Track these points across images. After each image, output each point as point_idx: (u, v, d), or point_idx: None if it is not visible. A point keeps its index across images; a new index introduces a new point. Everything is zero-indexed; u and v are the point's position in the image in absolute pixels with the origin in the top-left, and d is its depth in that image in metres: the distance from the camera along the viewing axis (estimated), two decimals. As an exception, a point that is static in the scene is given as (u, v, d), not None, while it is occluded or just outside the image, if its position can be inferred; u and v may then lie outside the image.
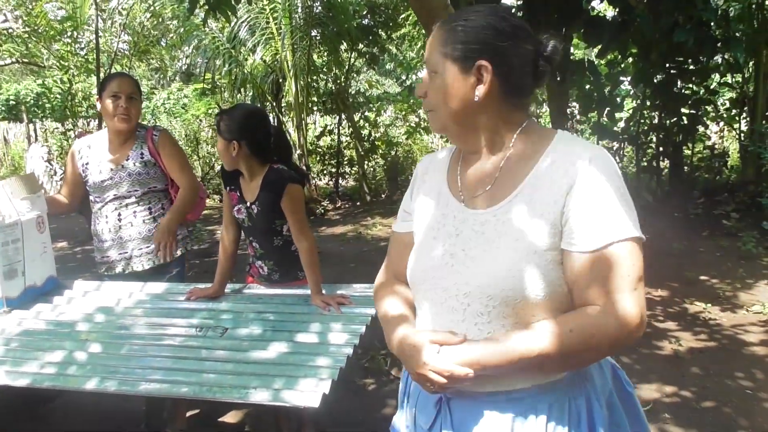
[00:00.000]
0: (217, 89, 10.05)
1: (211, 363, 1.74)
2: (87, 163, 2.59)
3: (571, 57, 4.89)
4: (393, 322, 1.19)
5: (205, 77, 9.58)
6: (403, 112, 10.00)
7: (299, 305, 2.16)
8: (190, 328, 1.99)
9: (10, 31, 11.41)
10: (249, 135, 2.14)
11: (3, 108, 20.95)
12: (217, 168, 10.48)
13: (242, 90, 8.86)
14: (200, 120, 10.66)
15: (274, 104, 9.10)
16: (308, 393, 1.55)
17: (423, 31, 9.23)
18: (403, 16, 8.52)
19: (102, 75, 8.23)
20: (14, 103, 21.13)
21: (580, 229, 1.00)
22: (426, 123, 9.71)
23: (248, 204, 2.22)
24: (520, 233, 1.03)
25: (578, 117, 7.72)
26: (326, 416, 2.55)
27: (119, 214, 2.56)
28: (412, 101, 9.69)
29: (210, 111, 10.46)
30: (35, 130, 12.66)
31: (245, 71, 8.50)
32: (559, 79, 4.66)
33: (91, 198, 2.64)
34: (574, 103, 7.42)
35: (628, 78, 7.20)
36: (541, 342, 0.98)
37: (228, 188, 2.29)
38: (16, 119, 18.07)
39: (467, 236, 1.08)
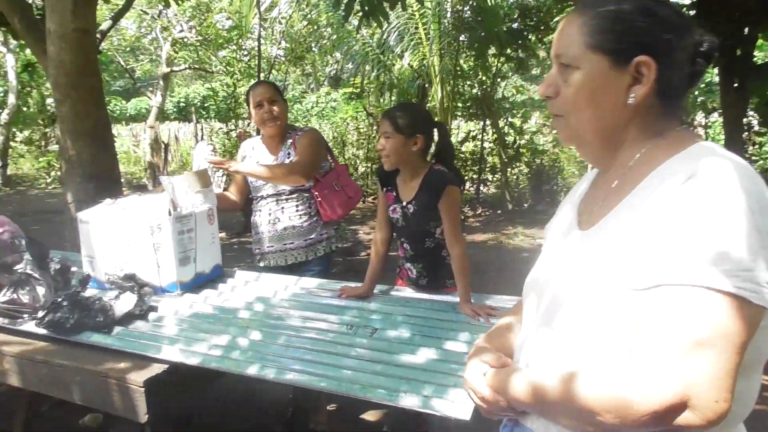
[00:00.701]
0: (365, 93, 10.38)
1: (360, 362, 1.76)
2: (250, 162, 2.80)
3: (754, 60, 4.36)
4: (491, 330, 1.18)
5: (354, 82, 9.95)
6: (551, 120, 9.61)
7: (447, 312, 2.13)
8: (341, 325, 2.04)
9: (185, 40, 12.70)
10: (428, 130, 2.20)
11: (174, 109, 23.42)
12: (361, 170, 10.83)
13: (389, 94, 9.07)
14: (347, 123, 11.09)
15: (419, 109, 9.20)
16: (459, 404, 1.51)
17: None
18: (556, 19, 8.20)
19: (262, 79, 8.86)
20: (184, 104, 23.57)
21: (637, 263, 0.78)
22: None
23: (404, 203, 2.25)
24: (598, 259, 0.86)
25: (757, 128, 6.92)
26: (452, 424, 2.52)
27: (270, 210, 2.76)
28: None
29: (357, 114, 10.84)
30: (202, 130, 13.96)
31: (392, 76, 8.69)
32: (736, 85, 4.19)
33: (252, 194, 2.85)
34: (752, 113, 6.66)
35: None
36: (557, 388, 0.83)
37: (384, 189, 2.34)
38: (185, 119, 20.11)
39: (567, 255, 0.96)
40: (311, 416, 2.83)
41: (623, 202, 0.88)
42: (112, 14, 4.90)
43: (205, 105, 21.17)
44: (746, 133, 6.83)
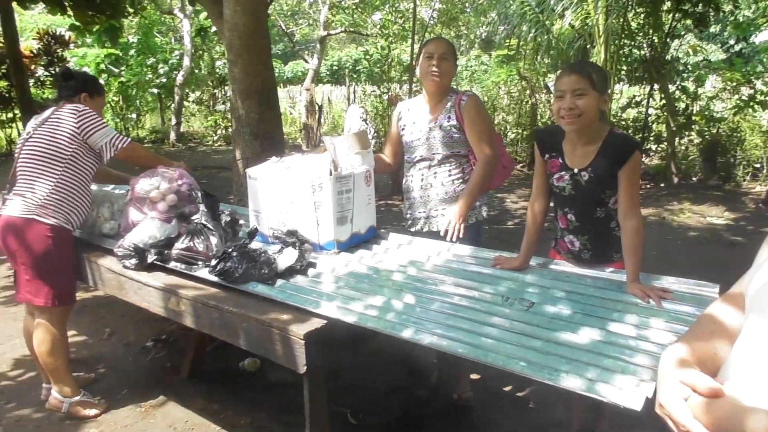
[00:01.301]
0: (519, 56, 9.94)
1: (517, 336, 1.68)
2: (404, 125, 2.77)
3: None
4: (692, 327, 0.99)
5: (509, 44, 9.55)
6: (734, 83, 8.51)
7: (612, 290, 1.97)
8: (496, 296, 1.97)
9: (343, 3, 13.00)
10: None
11: (327, 72, 24.32)
12: (511, 136, 10.47)
13: (546, 57, 8.59)
14: (499, 87, 10.73)
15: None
16: (627, 392, 1.38)
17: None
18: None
19: (416, 42, 8.81)
20: (336, 68, 24.38)
21: None
22: (764, 96, 8.14)
23: (575, 171, 2.08)
24: None
25: None
26: (618, 415, 2.35)
27: (422, 174, 2.70)
28: (746, 70, 8.19)
29: (509, 78, 10.43)
30: (354, 92, 14.34)
31: (551, 37, 8.20)
32: None
33: (405, 158, 2.82)
34: None
35: None
36: None
37: (546, 155, 2.17)
38: (337, 82, 20.82)
39: None
40: (455, 384, 2.82)
41: None
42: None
43: (357, 68, 21.75)
44: None
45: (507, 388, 2.97)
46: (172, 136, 14.20)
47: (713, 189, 8.02)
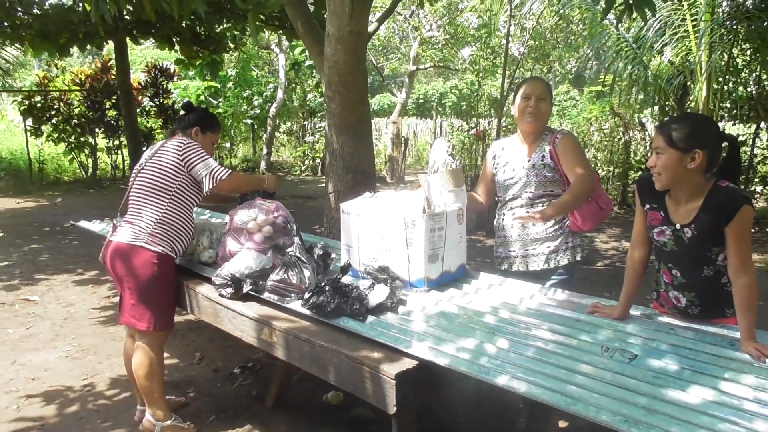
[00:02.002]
0: (613, 92, 9.66)
1: (619, 390, 1.59)
2: (498, 164, 2.77)
3: None
4: None
5: (603, 79, 9.31)
6: None
7: (723, 347, 1.84)
8: (595, 344, 1.88)
9: (433, 39, 13.20)
10: (711, 144, 1.88)
11: (413, 105, 24.63)
12: (601, 173, 10.13)
13: (642, 93, 8.29)
14: (590, 123, 10.45)
15: (677, 109, 8.26)
16: (748, 463, 1.27)
17: None
18: None
19: (507, 78, 8.78)
20: (422, 101, 24.66)
21: None
22: None
23: (678, 227, 1.97)
24: None
25: None
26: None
27: (514, 213, 2.69)
28: None
29: (601, 114, 10.15)
30: (441, 126, 14.43)
31: (648, 73, 7.92)
32: None
33: (497, 196, 2.81)
34: None
35: None
36: None
37: (646, 206, 2.07)
38: (422, 116, 21.04)
39: None
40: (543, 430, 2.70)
41: None
42: (377, 17, 5.28)
43: (443, 102, 21.92)
44: None
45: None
46: (263, 165, 14.81)
47: (829, 237, 7.37)
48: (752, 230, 7.04)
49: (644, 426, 1.42)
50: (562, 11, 8.33)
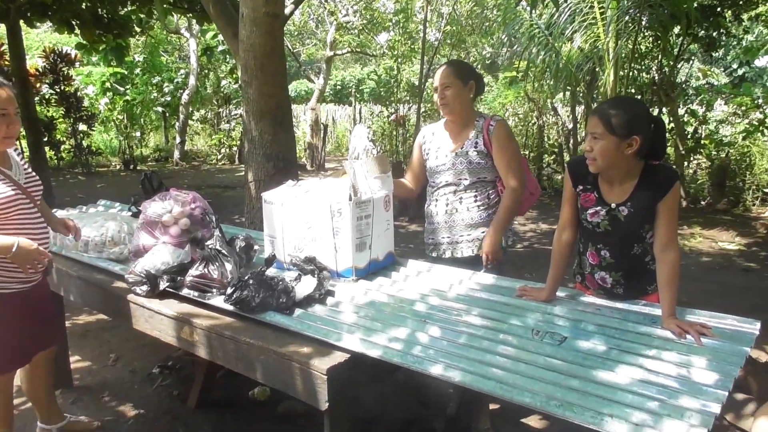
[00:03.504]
0: (527, 78, 9.95)
1: (551, 374, 1.60)
2: (429, 150, 2.72)
3: None
4: None
5: (517, 66, 9.54)
6: (743, 107, 8.50)
7: (646, 325, 1.89)
8: (525, 328, 1.88)
9: (350, 24, 13.07)
10: (646, 130, 1.90)
11: (331, 92, 24.42)
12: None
13: (554, 79, 8.57)
14: (506, 108, 10.72)
15: (587, 94, 8.61)
16: (680, 440, 1.30)
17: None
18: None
19: (425, 63, 8.81)
20: (340, 87, 24.48)
21: None
22: (772, 121, 8.13)
23: (613, 206, 1.99)
24: None
25: None
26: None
27: (447, 200, 2.65)
28: (757, 94, 8.16)
29: (516, 100, 10.43)
30: (360, 112, 14.35)
31: (559, 59, 8.18)
32: None
33: (429, 182, 2.76)
34: None
35: None
36: None
37: (579, 187, 2.08)
38: (340, 102, 20.88)
39: None
40: (474, 417, 2.72)
41: None
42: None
43: (361, 88, 21.82)
44: None
45: (526, 420, 2.87)
46: (176, 154, 14.19)
47: (722, 213, 7.95)
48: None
49: (578, 409, 1.42)
50: (478, -3, 8.45)
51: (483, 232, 2.60)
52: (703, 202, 8.48)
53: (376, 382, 1.94)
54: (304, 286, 2.11)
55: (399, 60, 10.30)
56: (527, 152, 10.35)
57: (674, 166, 8.65)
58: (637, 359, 1.66)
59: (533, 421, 2.87)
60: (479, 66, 17.88)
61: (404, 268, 2.53)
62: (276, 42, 3.36)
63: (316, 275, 2.16)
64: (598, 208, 2.02)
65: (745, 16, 8.04)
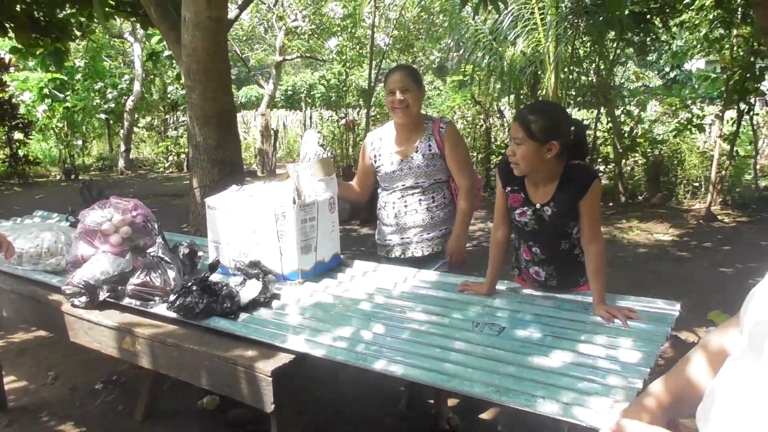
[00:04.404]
0: (474, 81, 10.15)
1: (490, 362, 1.67)
2: (378, 155, 2.72)
3: None
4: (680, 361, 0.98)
5: (464, 69, 9.73)
6: (673, 107, 8.92)
7: (579, 312, 1.99)
8: (466, 321, 1.95)
9: (299, 29, 13.04)
10: (565, 133, 1.99)
11: (282, 97, 24.23)
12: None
13: (499, 82, 8.79)
14: (454, 111, 10.91)
15: (530, 96, 8.86)
16: (603, 414, 1.38)
17: (707, 17, 8.13)
18: (686, 1, 7.55)
19: (373, 68, 8.87)
20: (291, 92, 24.32)
21: None
22: (699, 120, 8.56)
23: (538, 206, 2.08)
24: None
25: None
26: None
27: (405, 202, 2.67)
28: (684, 95, 8.59)
29: (464, 103, 10.63)
30: (310, 117, 14.31)
31: (503, 63, 8.41)
32: None
33: (380, 185, 2.78)
34: None
35: None
36: None
37: (507, 188, 2.17)
38: (291, 107, 20.75)
39: None
40: (436, 412, 2.77)
41: None
42: (237, 4, 5.07)
43: (312, 93, 21.74)
44: None
45: (483, 415, 2.94)
46: (121, 163, 13.80)
47: (657, 207, 8.32)
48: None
49: (513, 393, 1.49)
50: (423, 2, 8.57)
51: (441, 231, 2.66)
52: (640, 197, 8.85)
53: (327, 383, 1.97)
54: (249, 291, 2.12)
55: (348, 65, 10.34)
56: (476, 153, 10.55)
57: (613, 164, 9.01)
58: (569, 344, 1.75)
59: (486, 414, 2.94)
60: (428, 70, 18.12)
61: (350, 269, 2.56)
62: (219, 46, 3.34)
63: (261, 279, 2.17)
64: (525, 208, 2.11)
65: (672, 23, 8.44)
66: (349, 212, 7.76)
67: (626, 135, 8.91)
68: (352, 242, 6.42)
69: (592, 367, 1.61)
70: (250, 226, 2.35)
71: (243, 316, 2.04)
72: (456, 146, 2.62)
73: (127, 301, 2.18)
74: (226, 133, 3.44)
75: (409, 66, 2.93)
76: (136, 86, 13.55)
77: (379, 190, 2.81)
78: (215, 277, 2.25)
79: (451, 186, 2.68)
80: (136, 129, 14.87)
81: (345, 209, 8.05)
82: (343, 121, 10.33)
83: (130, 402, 3.03)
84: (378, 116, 10.43)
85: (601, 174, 9.70)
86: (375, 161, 2.74)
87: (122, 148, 13.88)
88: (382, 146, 2.73)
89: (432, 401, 2.88)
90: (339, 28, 11.17)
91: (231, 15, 4.37)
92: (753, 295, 0.88)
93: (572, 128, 2.04)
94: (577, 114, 10.82)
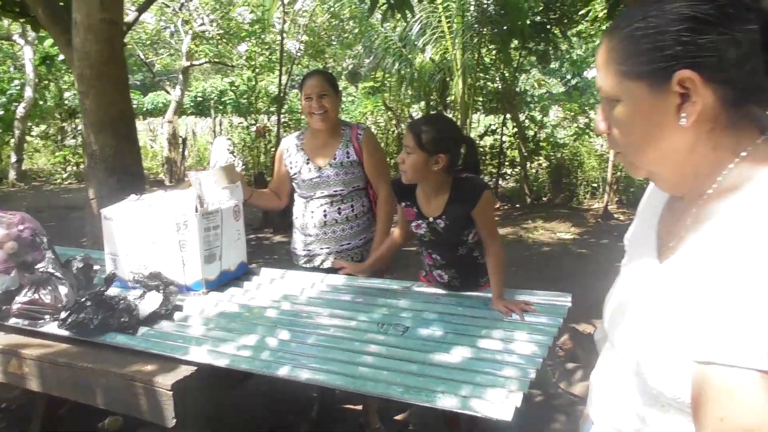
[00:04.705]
0: (385, 88, 10.31)
1: (394, 362, 1.70)
2: (294, 162, 2.65)
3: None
4: None
5: (375, 76, 9.86)
6: (573, 113, 9.48)
7: (479, 308, 2.07)
8: (371, 323, 1.98)
9: (206, 33, 12.71)
10: (453, 148, 2.07)
11: (191, 104, 23.51)
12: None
13: (409, 88, 8.98)
14: (367, 117, 11.02)
15: (440, 102, 9.11)
16: (498, 404, 1.45)
17: (601, 28, 8.70)
18: (581, 12, 8.04)
19: (283, 74, 8.80)
20: (201, 99, 23.65)
21: (696, 329, 0.71)
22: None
23: (431, 219, 2.15)
24: (670, 317, 0.77)
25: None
26: (494, 426, 2.45)
27: (324, 211, 2.62)
28: (585, 101, 9.15)
29: (376, 109, 10.77)
30: (220, 125, 13.97)
31: (413, 70, 8.59)
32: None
33: (297, 193, 2.72)
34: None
35: None
36: None
37: (402, 203, 2.24)
38: (201, 114, 20.18)
39: (644, 296, 0.86)
40: (364, 421, 2.78)
41: (696, 245, 0.77)
42: (137, 6, 4.87)
43: (222, 99, 21.22)
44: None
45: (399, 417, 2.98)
46: (12, 174, 12.84)
47: (560, 207, 8.78)
48: (505, 207, 8.12)
49: (415, 390, 1.53)
50: (333, 9, 8.61)
51: (361, 240, 2.66)
52: (544, 198, 9.32)
53: (236, 394, 1.93)
54: (149, 303, 2.04)
55: (258, 70, 10.19)
56: (389, 159, 10.71)
57: (519, 167, 9.42)
58: (469, 340, 1.82)
59: (399, 415, 2.98)
60: (341, 76, 18.18)
61: (257, 277, 2.52)
62: (114, 49, 3.20)
63: (161, 291, 2.10)
64: (420, 221, 2.18)
65: (570, 33, 8.96)
66: (262, 220, 7.64)
67: (530, 139, 9.35)
68: (264, 251, 6.33)
69: (489, 361, 1.68)
70: (150, 237, 2.26)
71: (142, 329, 1.96)
72: (374, 153, 2.62)
73: (13, 321, 2.04)
74: (125, 141, 3.30)
75: (325, 71, 2.91)
76: (28, 92, 12.67)
77: (295, 197, 2.76)
78: (113, 291, 2.15)
79: (369, 193, 2.67)
80: (29, 138, 13.89)
81: (257, 217, 7.92)
82: (254, 128, 10.16)
83: (23, 430, 2.83)
84: (290, 123, 10.35)
85: (508, 176, 10.14)
86: (291, 168, 2.67)
87: (13, 158, 12.92)
88: (299, 152, 2.66)
89: (348, 406, 2.89)
90: (248, 34, 10.98)
91: (129, 18, 4.19)
92: (610, 295, 0.98)
93: (462, 144, 2.13)
94: (484, 119, 11.25)
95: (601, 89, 0.82)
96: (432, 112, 8.99)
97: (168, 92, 14.59)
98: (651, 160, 0.81)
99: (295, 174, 2.66)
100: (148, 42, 16.43)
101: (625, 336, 0.87)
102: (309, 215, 2.66)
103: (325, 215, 2.62)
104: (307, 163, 2.62)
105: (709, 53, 0.71)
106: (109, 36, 3.13)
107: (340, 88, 2.73)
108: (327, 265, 2.66)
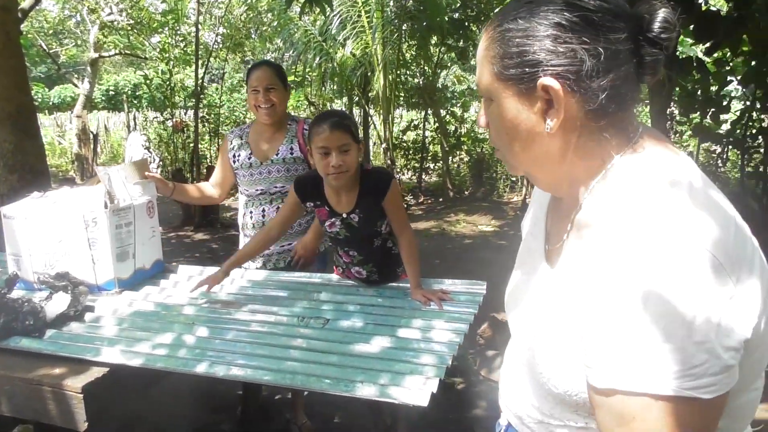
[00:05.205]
0: (306, 82, 10.23)
1: (315, 354, 1.71)
2: (239, 156, 2.55)
3: (678, 54, 4.53)
4: None
5: (296, 70, 9.76)
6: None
7: (399, 299, 2.12)
8: (292, 317, 1.98)
9: (115, 23, 12.12)
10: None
11: (103, 98, 22.40)
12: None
13: (331, 83, 8.96)
14: (290, 112, 10.89)
15: (362, 98, 9.15)
16: (416, 391, 1.49)
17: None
18: (497, 10, 8.29)
19: (199, 67, 8.54)
20: (113, 93, 22.57)
21: (590, 351, 0.70)
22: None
23: (344, 215, 2.11)
24: (557, 306, 0.80)
25: (678, 118, 7.24)
26: (417, 413, 2.51)
27: (263, 210, 2.54)
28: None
29: (298, 103, 10.67)
30: (134, 119, 13.39)
31: (335, 65, 8.58)
32: (663, 78, 4.30)
33: (239, 189, 2.62)
34: (674, 104, 6.96)
35: (737, 77, 6.65)
36: None
37: (309, 204, 2.15)
38: (114, 108, 19.27)
39: (538, 299, 0.87)
40: (291, 417, 2.76)
41: (577, 257, 0.78)
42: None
43: (137, 93, 20.33)
44: (669, 122, 7.13)
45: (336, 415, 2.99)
46: None
47: (481, 201, 9.06)
48: (428, 201, 8.28)
49: (334, 381, 1.55)
50: (249, 0, 8.45)
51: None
52: (466, 192, 9.58)
53: (151, 392, 1.88)
54: (56, 305, 1.95)
55: (172, 63, 9.84)
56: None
57: (441, 162, 9.63)
58: (389, 330, 1.85)
59: (323, 407, 2.99)
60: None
61: (174, 275, 2.46)
62: (9, 39, 3.00)
63: (70, 291, 2.00)
64: (333, 219, 2.13)
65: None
66: (182, 217, 7.42)
67: (452, 134, 9.57)
68: (186, 249, 6.15)
69: (408, 349, 1.72)
70: (56, 235, 2.16)
71: (50, 332, 1.87)
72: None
73: None
74: (25, 136, 3.11)
75: (274, 62, 2.80)
76: None
77: (239, 194, 2.66)
78: (17, 294, 2.04)
79: None
80: None
81: (178, 214, 7.67)
82: (171, 123, 9.82)
83: None
84: (209, 117, 10.08)
85: (431, 171, 10.35)
86: (233, 161, 2.56)
87: None
88: (243, 147, 2.55)
89: (275, 402, 2.87)
90: (160, 24, 10.55)
91: (25, 4, 3.94)
92: (509, 283, 1.03)
93: None
94: (407, 114, 11.41)
95: (478, 86, 0.81)
96: (335, 108, 9.00)
97: (76, 85, 13.83)
98: (523, 161, 0.81)
99: (236, 168, 2.55)
100: (51, 31, 15.47)
101: (519, 325, 0.92)
102: (248, 215, 2.57)
103: (263, 215, 2.53)
104: (249, 158, 2.51)
105: (569, 63, 0.70)
106: (2, 24, 2.93)
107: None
108: (267, 267, 2.56)
